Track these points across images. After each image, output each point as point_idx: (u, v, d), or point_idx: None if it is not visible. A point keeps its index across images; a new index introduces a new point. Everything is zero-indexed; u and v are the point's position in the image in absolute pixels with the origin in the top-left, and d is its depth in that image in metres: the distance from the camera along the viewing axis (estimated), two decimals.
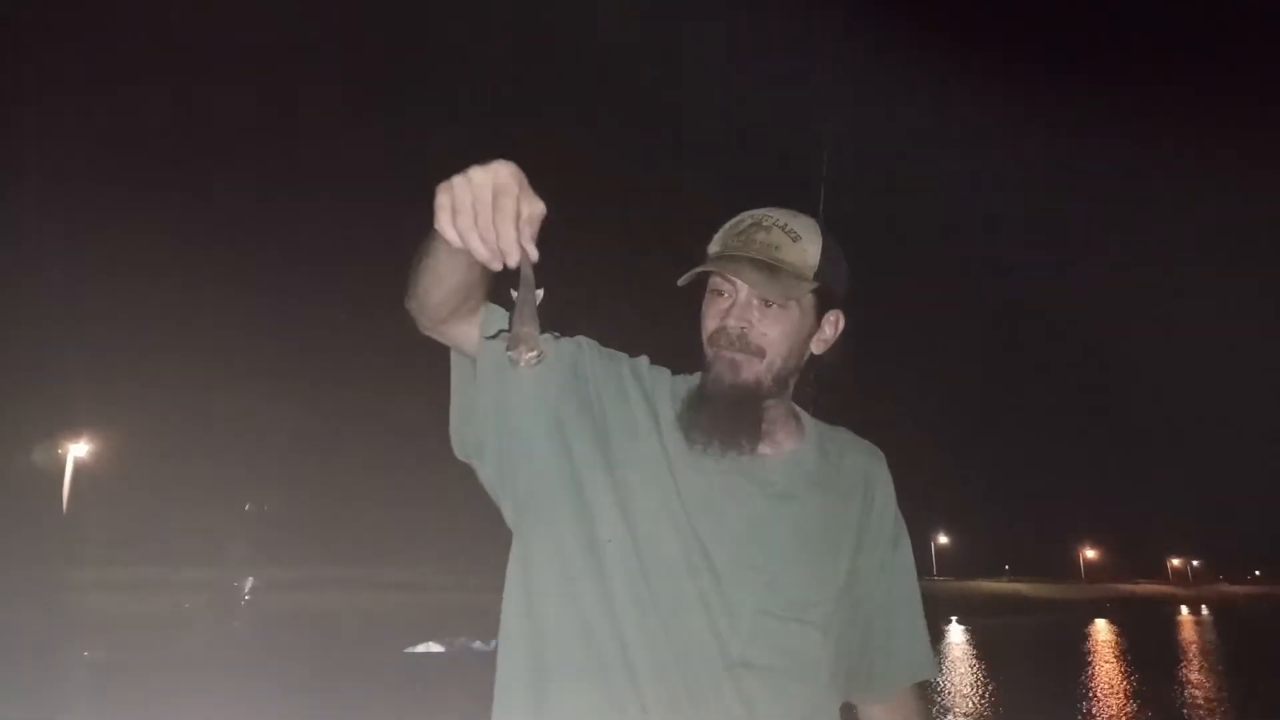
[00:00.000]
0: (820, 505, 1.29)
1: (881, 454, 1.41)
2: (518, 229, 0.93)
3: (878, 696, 1.37)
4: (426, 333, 1.23)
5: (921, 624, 1.38)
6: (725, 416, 1.23)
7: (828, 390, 1.51)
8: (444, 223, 0.93)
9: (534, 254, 0.96)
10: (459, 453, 1.29)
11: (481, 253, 0.93)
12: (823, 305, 1.30)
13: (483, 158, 0.93)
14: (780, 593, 1.21)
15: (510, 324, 1.03)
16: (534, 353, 0.97)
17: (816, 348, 1.32)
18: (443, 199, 0.93)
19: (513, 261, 0.95)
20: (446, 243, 0.96)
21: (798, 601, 1.22)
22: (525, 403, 1.23)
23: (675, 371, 1.37)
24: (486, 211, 0.92)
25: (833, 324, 1.33)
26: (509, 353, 0.98)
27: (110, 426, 31.08)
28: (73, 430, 28.71)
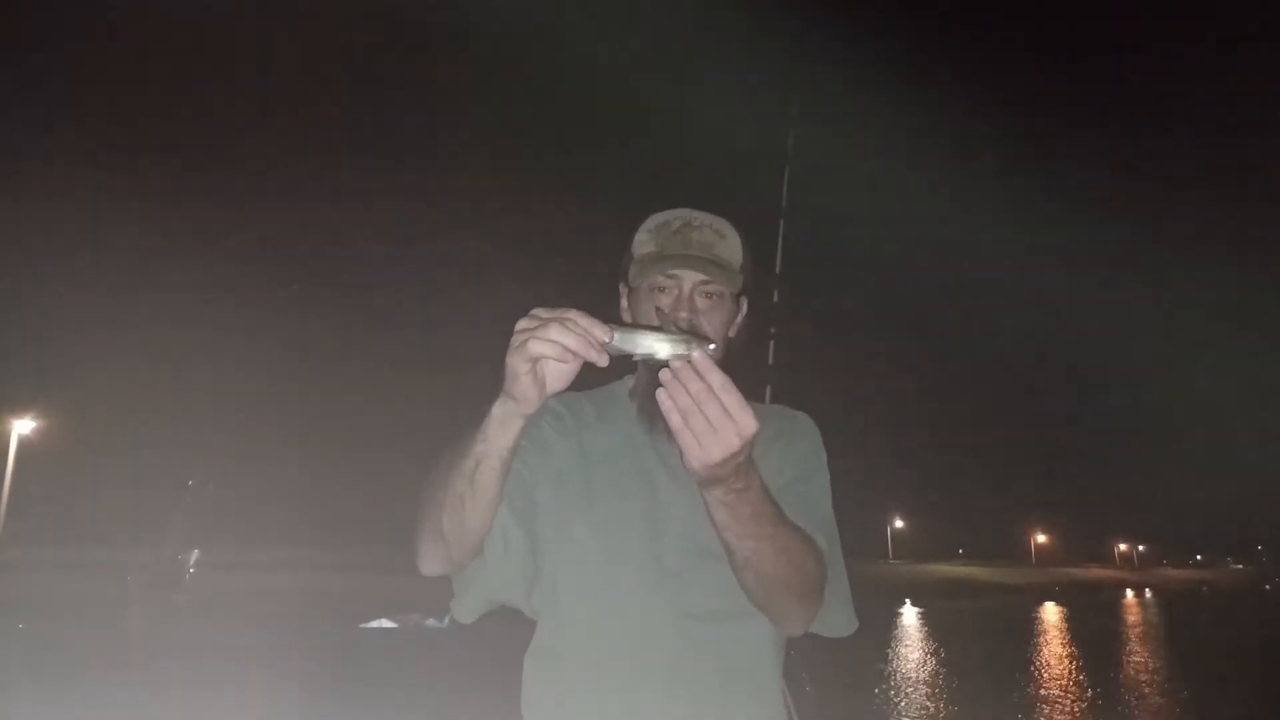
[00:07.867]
0: None
1: (807, 418, 1.51)
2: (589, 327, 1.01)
3: None
4: (456, 569, 1.25)
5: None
6: None
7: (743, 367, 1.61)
8: (532, 343, 0.99)
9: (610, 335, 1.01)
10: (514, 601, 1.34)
11: (572, 346, 0.98)
12: (738, 293, 1.44)
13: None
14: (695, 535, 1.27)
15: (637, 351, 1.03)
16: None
17: (732, 331, 1.44)
18: (524, 327, 1.00)
19: (602, 340, 0.99)
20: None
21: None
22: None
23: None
24: (567, 322, 0.99)
25: (743, 309, 1.48)
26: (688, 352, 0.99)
27: (55, 404, 30.07)
28: (18, 407, 27.65)
